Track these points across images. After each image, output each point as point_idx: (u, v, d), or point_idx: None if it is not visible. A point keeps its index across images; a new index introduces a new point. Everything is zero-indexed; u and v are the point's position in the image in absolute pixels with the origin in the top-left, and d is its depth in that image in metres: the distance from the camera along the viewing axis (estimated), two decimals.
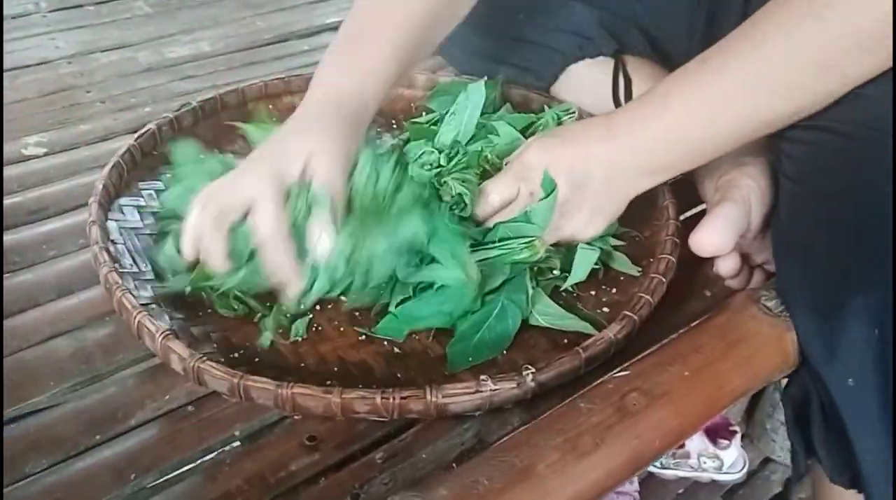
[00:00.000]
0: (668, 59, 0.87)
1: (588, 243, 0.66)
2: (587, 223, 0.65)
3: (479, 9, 0.78)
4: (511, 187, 0.65)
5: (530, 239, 0.64)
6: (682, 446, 1.19)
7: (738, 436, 1.21)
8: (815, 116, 0.59)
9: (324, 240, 0.58)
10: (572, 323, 0.62)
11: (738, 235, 0.63)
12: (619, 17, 0.86)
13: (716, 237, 0.63)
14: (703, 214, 0.74)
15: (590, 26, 0.85)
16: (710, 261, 0.70)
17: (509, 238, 0.64)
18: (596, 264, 0.66)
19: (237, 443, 0.55)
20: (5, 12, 1.31)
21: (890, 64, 0.55)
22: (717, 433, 1.21)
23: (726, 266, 0.65)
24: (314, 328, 0.63)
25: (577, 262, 0.65)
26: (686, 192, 0.74)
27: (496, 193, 0.65)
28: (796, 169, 0.62)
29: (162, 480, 0.53)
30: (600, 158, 0.63)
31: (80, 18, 1.30)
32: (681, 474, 1.20)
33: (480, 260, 0.63)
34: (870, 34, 0.53)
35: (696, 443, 1.19)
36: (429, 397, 0.52)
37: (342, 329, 0.63)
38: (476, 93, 0.79)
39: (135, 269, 0.65)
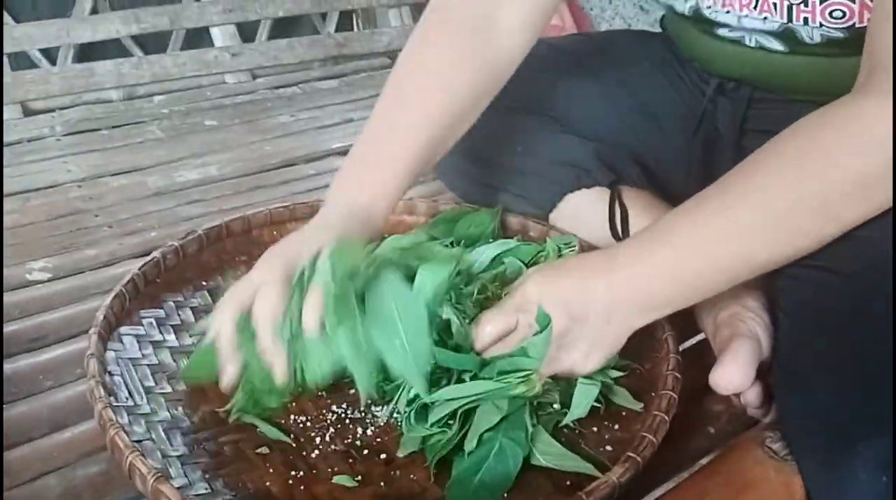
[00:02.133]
0: (665, 189, 0.89)
1: (588, 377, 0.66)
2: (586, 357, 0.64)
3: (476, 137, 0.81)
4: (509, 319, 0.64)
5: (527, 373, 0.63)
6: None
7: None
8: (811, 255, 0.59)
9: (308, 317, 0.59)
10: (575, 464, 0.60)
11: (755, 368, 0.63)
12: (615, 150, 0.89)
13: (736, 375, 0.63)
14: (702, 344, 0.75)
15: (587, 158, 0.87)
16: (711, 396, 0.69)
17: (506, 372, 0.64)
18: (597, 399, 0.65)
19: None
20: (21, 136, 1.36)
21: (884, 207, 0.55)
22: None
23: (752, 398, 0.65)
24: (311, 471, 0.61)
25: (577, 397, 0.65)
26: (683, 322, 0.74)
27: (492, 323, 0.64)
28: (793, 307, 0.62)
29: None
30: (600, 292, 0.62)
31: (93, 142, 1.35)
32: None
33: (477, 395, 0.62)
34: (871, 179, 0.54)
35: None
36: None
37: (336, 469, 0.61)
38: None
39: (130, 402, 0.65)
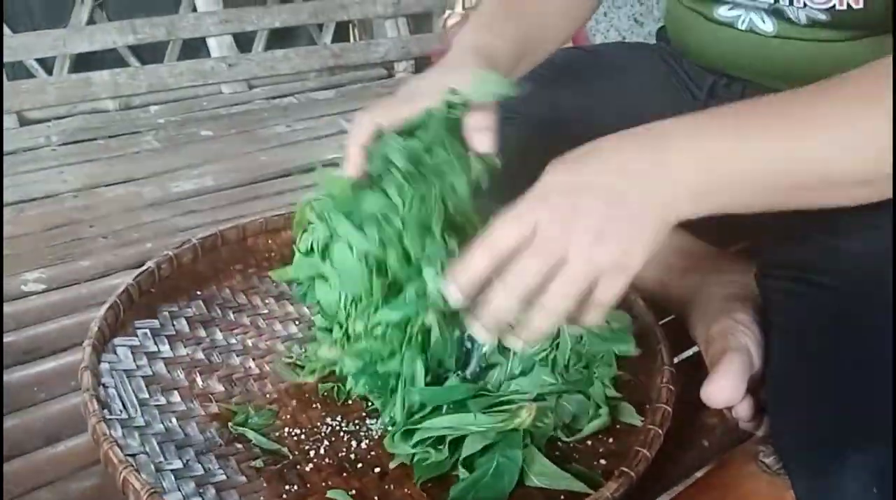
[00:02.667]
0: None
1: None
2: (627, 248, 0.50)
3: None
4: (520, 223, 0.50)
5: (519, 406, 0.63)
6: None
7: None
8: (800, 266, 0.59)
9: None
10: (569, 483, 0.60)
11: (746, 382, 0.63)
12: None
13: (727, 389, 0.62)
14: (696, 357, 0.75)
15: None
16: (706, 409, 0.69)
17: (499, 403, 0.64)
18: (600, 415, 0.65)
19: None
20: (17, 146, 1.36)
21: None
22: None
23: (743, 412, 0.65)
24: (305, 485, 0.61)
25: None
26: (677, 335, 0.75)
27: (504, 235, 0.50)
28: (783, 321, 0.62)
29: None
30: (638, 167, 0.51)
31: (89, 152, 1.35)
32: None
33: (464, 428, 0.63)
34: None
35: None
36: None
37: (330, 483, 0.61)
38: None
39: (124, 415, 0.65)
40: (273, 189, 1.23)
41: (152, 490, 0.54)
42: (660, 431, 0.62)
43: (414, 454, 0.62)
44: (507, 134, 0.82)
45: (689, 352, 0.77)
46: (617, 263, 0.49)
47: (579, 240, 0.48)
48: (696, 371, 0.70)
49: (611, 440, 0.66)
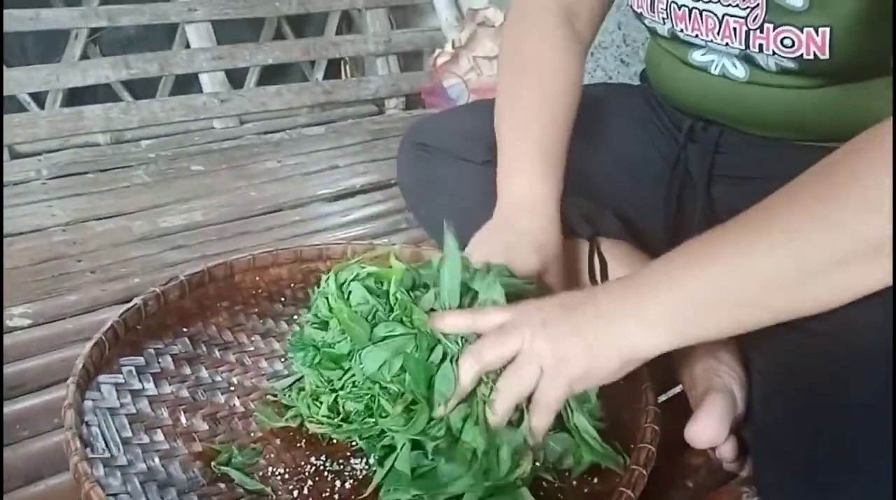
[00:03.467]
0: (644, 240, 0.90)
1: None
2: (590, 368, 0.58)
3: (457, 191, 0.82)
4: (509, 345, 0.59)
5: (518, 461, 0.62)
6: None
7: None
8: None
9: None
10: None
11: (730, 422, 0.64)
12: (595, 204, 0.90)
13: (710, 430, 0.63)
14: (681, 396, 0.75)
15: (570, 213, 0.89)
16: (690, 449, 0.69)
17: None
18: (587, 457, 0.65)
19: None
20: (7, 179, 1.37)
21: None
22: None
23: (727, 452, 0.65)
24: None
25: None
26: (663, 374, 0.75)
27: (490, 356, 0.59)
28: (765, 365, 0.63)
29: None
30: (602, 302, 0.59)
31: (79, 186, 1.35)
32: None
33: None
34: (880, 244, 0.50)
35: None
36: None
37: None
38: (451, 258, 0.72)
39: (106, 454, 0.64)
40: (263, 225, 1.23)
41: None
42: (644, 472, 0.62)
43: None
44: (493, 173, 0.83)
45: (675, 391, 0.77)
46: (578, 388, 0.60)
47: (551, 368, 0.58)
48: (682, 411, 0.71)
49: (595, 479, 0.66)
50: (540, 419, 0.60)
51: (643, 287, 0.58)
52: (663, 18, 0.81)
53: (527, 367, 0.58)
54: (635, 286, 0.59)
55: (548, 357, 0.58)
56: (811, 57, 0.68)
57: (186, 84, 1.75)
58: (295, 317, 0.83)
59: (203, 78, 1.74)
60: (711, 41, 0.78)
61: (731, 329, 0.58)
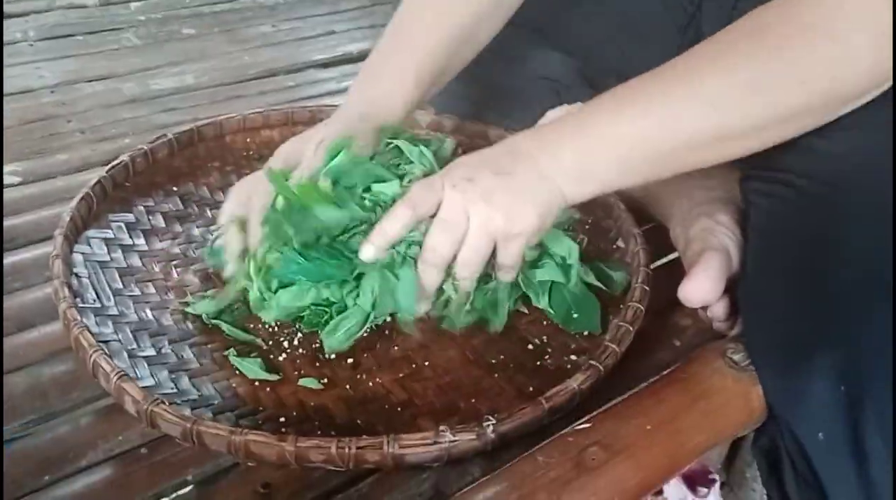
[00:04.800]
0: None
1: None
2: (511, 211, 0.58)
3: None
4: (432, 188, 0.59)
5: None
6: (661, 492, 1.17)
7: (718, 484, 1.19)
8: (779, 168, 0.59)
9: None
10: None
11: (725, 281, 0.63)
12: (597, 66, 0.87)
13: (706, 287, 0.63)
14: (672, 263, 0.75)
15: (568, 75, 0.86)
16: (679, 311, 0.70)
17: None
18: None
19: (189, 488, 0.54)
20: None
21: (834, 111, 0.55)
22: (695, 481, 1.19)
23: (719, 311, 0.65)
24: (277, 374, 0.61)
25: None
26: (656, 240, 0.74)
27: (415, 195, 0.59)
28: (760, 222, 0.62)
29: None
30: (515, 151, 0.60)
31: (67, 48, 1.31)
32: None
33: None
34: (812, 70, 0.54)
35: (675, 490, 1.17)
36: (386, 447, 0.51)
37: (303, 372, 0.62)
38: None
39: (97, 304, 0.65)
40: (256, 89, 1.20)
41: (122, 373, 0.54)
42: (630, 328, 0.63)
43: None
44: (498, 45, 0.80)
45: (665, 259, 0.77)
46: (505, 230, 0.58)
47: (475, 208, 0.57)
48: (672, 276, 0.71)
49: (582, 336, 0.67)
50: (505, 276, 0.63)
51: (562, 133, 0.60)
52: None
53: (443, 234, 0.58)
54: (554, 132, 0.60)
55: (475, 202, 0.58)
56: None
57: None
58: None
59: None
60: None
61: (645, 179, 0.61)
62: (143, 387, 0.55)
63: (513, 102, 0.89)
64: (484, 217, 0.57)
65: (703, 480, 1.19)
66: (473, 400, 0.60)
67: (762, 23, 0.56)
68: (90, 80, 1.19)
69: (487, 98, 0.91)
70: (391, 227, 0.58)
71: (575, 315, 0.66)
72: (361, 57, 1.32)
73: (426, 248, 0.59)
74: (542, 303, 0.67)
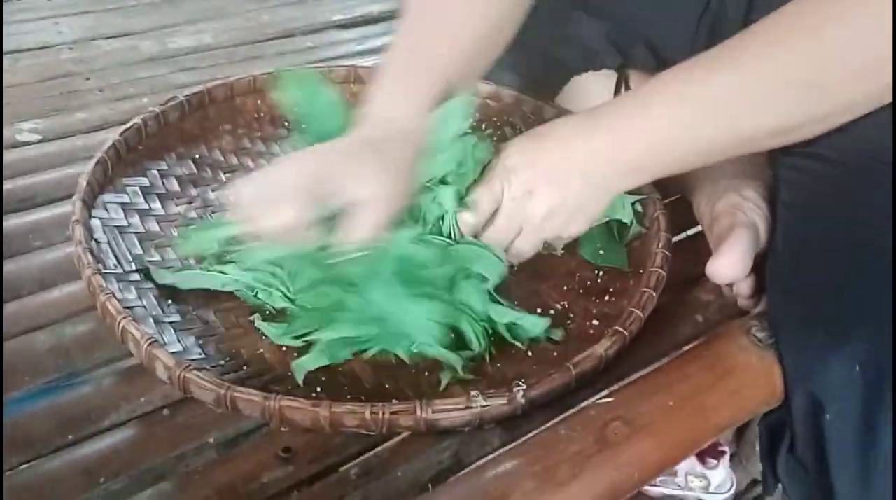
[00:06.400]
0: None
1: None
2: (568, 222, 0.64)
3: None
4: (493, 198, 0.63)
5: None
6: None
7: (727, 456, 1.20)
8: (811, 142, 0.57)
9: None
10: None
11: (753, 258, 0.63)
12: (625, 31, 0.85)
13: (737, 264, 0.62)
14: (693, 236, 0.74)
15: (596, 39, 0.84)
16: (701, 286, 0.69)
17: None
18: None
19: (211, 450, 0.54)
20: None
21: (887, 96, 0.53)
22: (705, 453, 1.20)
23: (745, 289, 0.65)
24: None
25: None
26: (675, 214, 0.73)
27: (477, 208, 0.64)
28: (791, 197, 0.61)
29: (131, 485, 0.51)
30: (579, 155, 0.61)
31: (85, 4, 1.29)
32: (667, 492, 1.19)
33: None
34: (863, 63, 0.52)
35: (684, 462, 1.18)
36: (419, 412, 0.51)
37: None
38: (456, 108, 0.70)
39: (119, 270, 0.64)
40: (274, 50, 1.18)
41: (152, 339, 0.54)
42: (654, 293, 0.62)
43: None
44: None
45: (686, 233, 0.76)
46: (560, 230, 0.64)
47: (532, 218, 0.62)
48: (694, 250, 0.70)
49: (604, 300, 0.66)
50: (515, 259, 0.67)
51: (618, 134, 0.60)
52: None
53: (507, 224, 0.64)
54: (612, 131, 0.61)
55: (532, 221, 0.63)
56: None
57: None
58: None
59: None
60: None
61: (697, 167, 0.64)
62: (173, 353, 0.55)
63: (538, 65, 0.88)
64: (537, 235, 0.64)
65: (712, 452, 1.19)
66: (499, 365, 0.60)
67: (819, 6, 0.54)
68: (108, 38, 1.18)
69: (512, 60, 0.89)
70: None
71: (601, 251, 0.69)
72: (381, 18, 1.30)
73: (486, 237, 0.64)
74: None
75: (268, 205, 0.55)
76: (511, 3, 0.72)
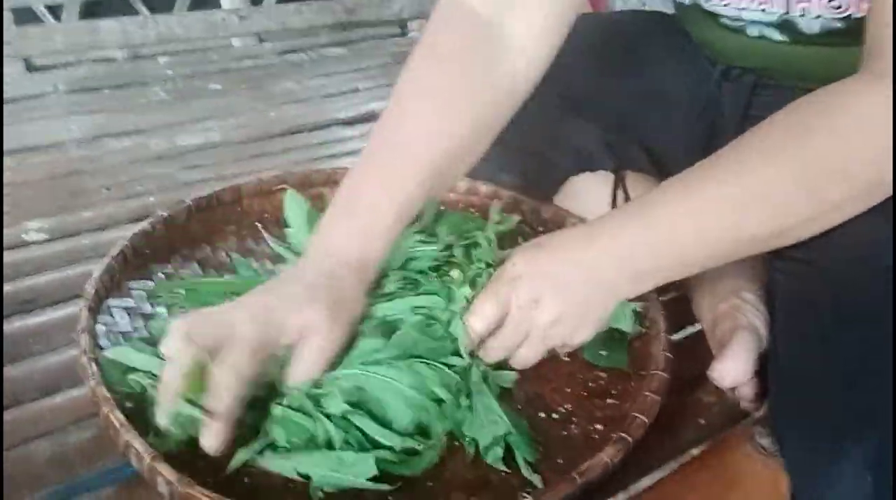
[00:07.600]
0: (670, 175, 0.88)
1: None
2: (575, 330, 0.63)
3: None
4: (500, 306, 0.62)
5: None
6: None
7: None
8: (800, 247, 0.59)
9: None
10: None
11: (755, 361, 0.63)
12: (620, 134, 0.87)
13: (739, 367, 0.62)
14: (694, 336, 0.74)
15: (591, 142, 0.86)
16: (703, 387, 0.69)
17: None
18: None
19: None
20: (23, 92, 1.35)
21: (874, 192, 0.55)
22: None
23: (747, 392, 0.65)
24: None
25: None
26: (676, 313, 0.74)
27: (484, 316, 0.62)
28: (783, 303, 0.62)
29: None
30: (581, 264, 0.61)
31: (96, 101, 1.33)
32: None
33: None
34: (855, 163, 0.54)
35: None
36: None
37: None
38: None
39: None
40: (280, 146, 1.21)
41: (154, 454, 0.54)
42: (657, 398, 0.62)
43: None
44: (525, 108, 0.80)
45: (686, 332, 0.76)
46: (567, 338, 0.63)
47: (539, 326, 0.61)
48: (694, 350, 0.70)
49: (608, 400, 0.66)
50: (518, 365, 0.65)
51: (621, 240, 0.61)
52: None
53: (514, 332, 0.62)
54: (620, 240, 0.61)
55: (538, 328, 0.61)
56: (861, 15, 0.65)
57: None
58: None
59: None
60: (745, 8, 0.75)
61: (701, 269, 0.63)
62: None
63: (535, 167, 0.90)
64: (544, 342, 0.62)
65: None
66: (503, 473, 0.60)
67: (804, 117, 0.57)
68: (118, 135, 1.21)
69: (509, 160, 0.91)
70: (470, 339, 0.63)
71: (603, 353, 0.68)
72: None
73: (489, 346, 0.63)
74: None
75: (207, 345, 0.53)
76: (491, 109, 0.71)
